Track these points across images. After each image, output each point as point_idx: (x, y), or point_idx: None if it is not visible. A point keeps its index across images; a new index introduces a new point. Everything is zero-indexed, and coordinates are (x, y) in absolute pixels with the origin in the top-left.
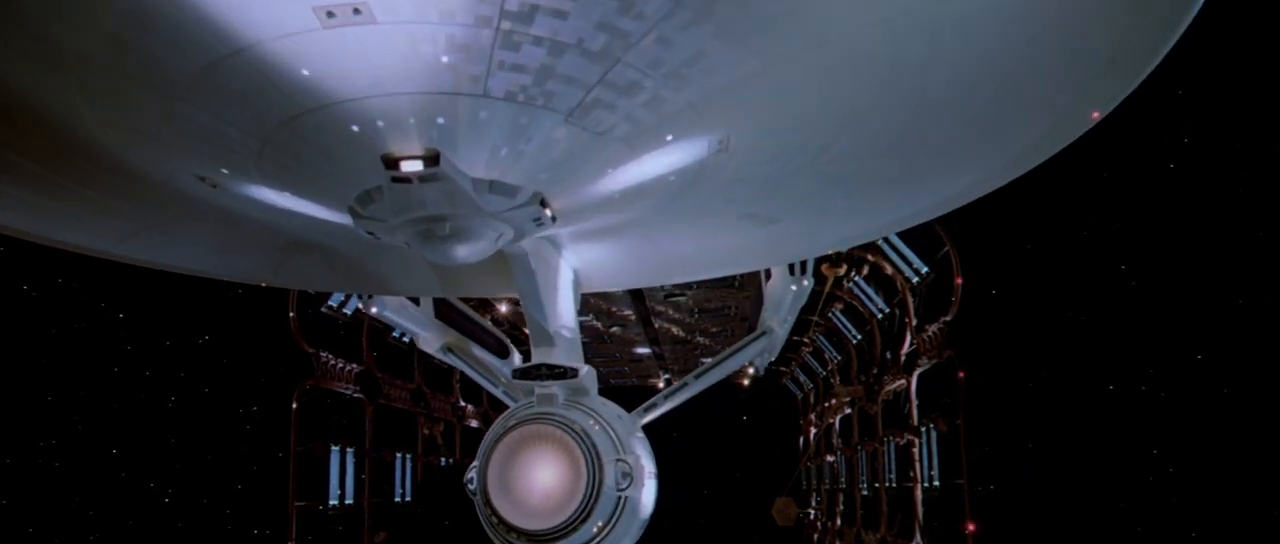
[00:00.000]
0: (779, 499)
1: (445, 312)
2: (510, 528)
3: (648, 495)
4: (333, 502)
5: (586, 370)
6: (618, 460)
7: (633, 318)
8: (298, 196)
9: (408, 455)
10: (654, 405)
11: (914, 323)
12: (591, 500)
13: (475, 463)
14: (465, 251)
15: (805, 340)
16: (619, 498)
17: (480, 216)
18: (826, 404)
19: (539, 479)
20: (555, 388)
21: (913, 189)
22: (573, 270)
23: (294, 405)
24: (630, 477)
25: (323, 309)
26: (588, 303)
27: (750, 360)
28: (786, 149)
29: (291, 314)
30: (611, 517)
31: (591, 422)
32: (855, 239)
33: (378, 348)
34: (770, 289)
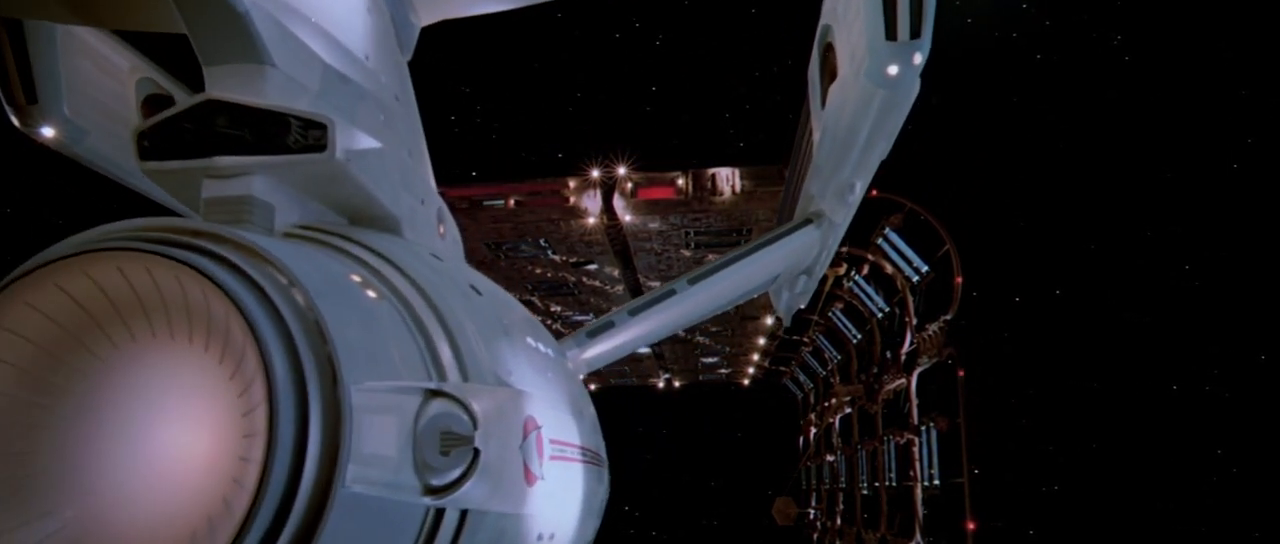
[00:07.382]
0: (779, 499)
1: None
2: None
3: (561, 509)
4: None
5: (365, 143)
6: (432, 395)
7: None
8: None
9: None
10: (610, 326)
11: (914, 322)
12: (278, 513)
13: None
14: None
15: (805, 340)
16: (428, 512)
17: None
18: (826, 404)
19: (108, 440)
20: (253, 179)
21: None
22: None
23: None
24: (474, 449)
25: None
26: (587, 299)
27: (778, 280)
28: None
29: None
30: None
31: (345, 271)
32: None
33: None
34: (834, 104)
